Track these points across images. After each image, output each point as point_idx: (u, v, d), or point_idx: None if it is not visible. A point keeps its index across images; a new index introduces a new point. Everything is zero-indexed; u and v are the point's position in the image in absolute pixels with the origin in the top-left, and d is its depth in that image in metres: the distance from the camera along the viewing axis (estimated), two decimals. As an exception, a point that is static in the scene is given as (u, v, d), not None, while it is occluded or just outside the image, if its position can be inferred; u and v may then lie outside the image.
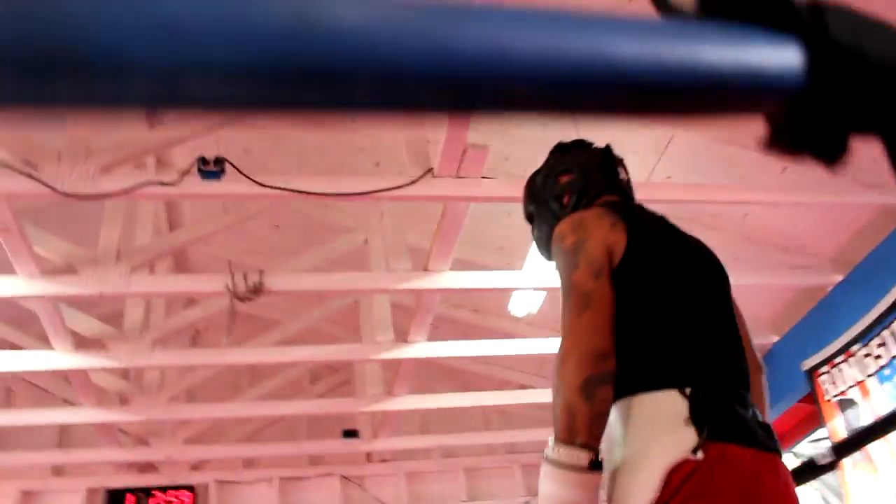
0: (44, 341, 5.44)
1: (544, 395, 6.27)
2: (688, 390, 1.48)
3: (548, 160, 2.08)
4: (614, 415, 1.51)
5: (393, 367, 5.99)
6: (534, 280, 5.00)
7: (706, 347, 1.60)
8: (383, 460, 7.39)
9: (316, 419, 7.38)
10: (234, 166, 4.00)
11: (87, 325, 5.52)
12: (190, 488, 6.98)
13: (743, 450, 1.45)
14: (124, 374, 6.41)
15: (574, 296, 1.55)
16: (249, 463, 7.41)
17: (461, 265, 4.98)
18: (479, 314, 6.53)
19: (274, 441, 7.22)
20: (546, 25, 0.55)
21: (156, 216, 5.66)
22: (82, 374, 5.70)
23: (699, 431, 1.42)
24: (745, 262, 5.14)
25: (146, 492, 6.92)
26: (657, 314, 1.61)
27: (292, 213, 5.84)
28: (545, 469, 1.43)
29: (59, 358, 5.37)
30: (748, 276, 4.98)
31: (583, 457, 1.39)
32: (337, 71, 0.49)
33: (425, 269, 4.87)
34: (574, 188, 1.93)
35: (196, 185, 3.93)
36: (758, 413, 1.61)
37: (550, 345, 5.73)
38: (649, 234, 1.70)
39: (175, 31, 0.46)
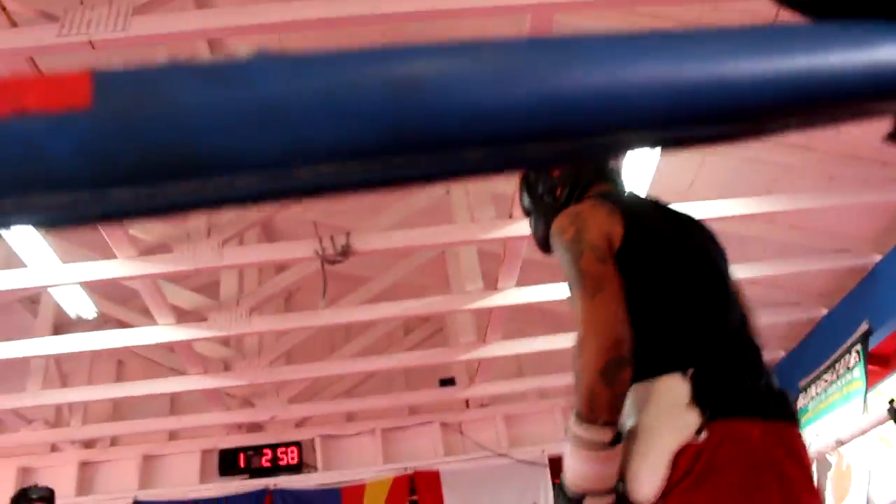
0: (148, 316, 5.67)
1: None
2: (690, 372, 1.50)
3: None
4: (633, 392, 1.53)
5: (484, 314, 6.02)
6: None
7: (708, 327, 1.62)
8: (481, 405, 7.47)
9: (412, 370, 7.51)
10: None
11: (186, 298, 5.73)
12: (296, 444, 7.22)
13: (751, 424, 1.47)
14: (225, 341, 6.64)
15: (585, 281, 1.56)
16: (351, 416, 7.61)
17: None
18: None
19: (373, 394, 7.38)
20: (658, 52, 0.52)
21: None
22: (186, 345, 5.92)
23: (702, 412, 1.44)
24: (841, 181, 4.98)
25: (256, 450, 7.20)
26: (656, 299, 1.63)
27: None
28: (571, 445, 1.49)
29: (163, 331, 5.60)
30: (848, 195, 4.82)
31: (607, 434, 1.45)
32: (448, 140, 0.47)
33: (510, 217, 4.85)
34: (566, 180, 1.93)
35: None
36: (773, 381, 1.61)
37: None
38: (644, 221, 1.72)
39: (285, 119, 0.45)
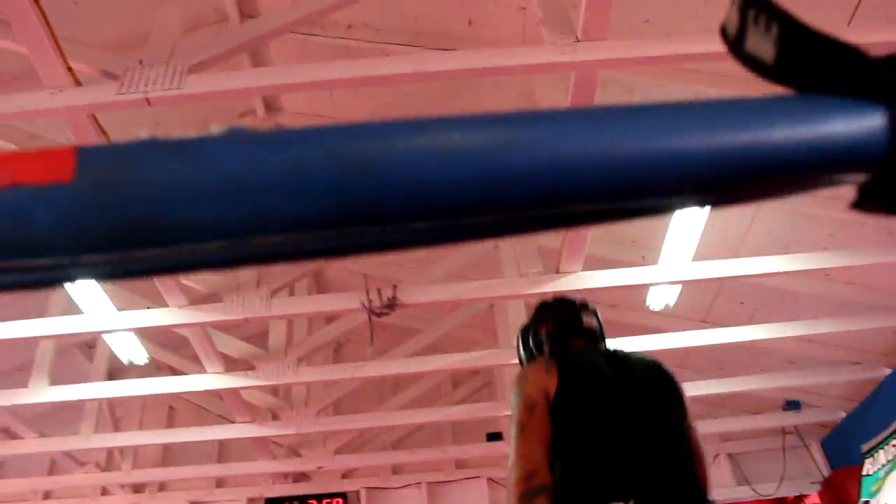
0: (198, 363, 5.75)
1: (688, 388, 6.10)
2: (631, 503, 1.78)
3: (534, 313, 2.52)
4: None
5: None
6: (670, 273, 4.85)
7: (644, 461, 1.89)
8: (530, 460, 7.36)
9: (460, 423, 7.46)
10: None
11: (235, 347, 5.79)
12: (342, 495, 7.19)
13: None
14: (273, 390, 6.68)
15: (516, 425, 1.96)
16: (397, 469, 7.56)
17: (594, 263, 4.89)
18: (615, 310, 6.39)
19: (420, 447, 7.33)
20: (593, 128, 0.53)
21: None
22: (234, 393, 5.97)
23: None
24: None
25: (301, 500, 7.19)
26: (592, 436, 1.94)
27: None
28: None
29: (212, 380, 5.66)
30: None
31: None
32: (395, 213, 0.49)
33: (557, 272, 4.82)
34: (550, 338, 2.36)
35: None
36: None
37: (690, 337, 5.55)
38: (582, 372, 2.07)
39: (245, 194, 0.47)
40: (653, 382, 2.12)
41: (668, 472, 1.90)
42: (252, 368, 5.68)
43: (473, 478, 7.32)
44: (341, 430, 7.08)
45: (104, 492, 7.62)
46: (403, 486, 7.31)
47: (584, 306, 2.45)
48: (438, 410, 6.60)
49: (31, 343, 6.03)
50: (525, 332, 2.52)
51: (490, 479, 7.27)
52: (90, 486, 7.48)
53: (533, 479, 1.83)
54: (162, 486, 7.70)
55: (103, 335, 5.76)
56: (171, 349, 6.67)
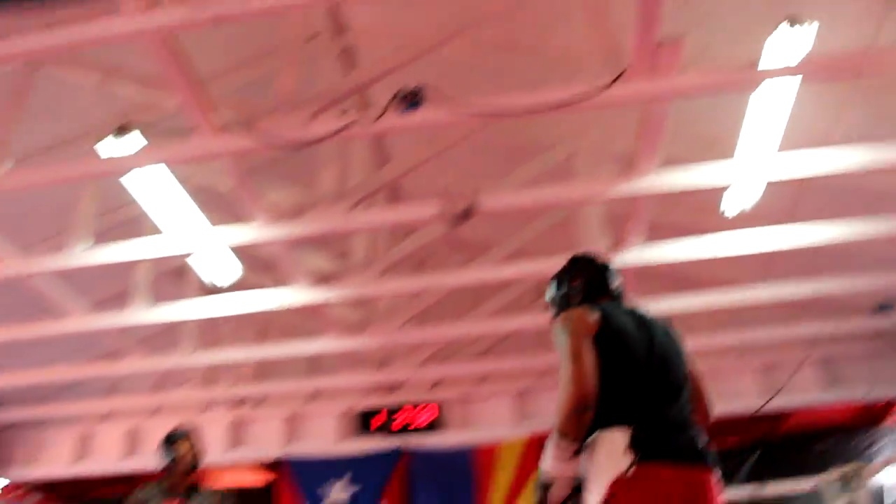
0: (284, 281, 5.94)
1: (775, 292, 6.00)
2: (631, 428, 2.30)
3: (568, 265, 2.91)
4: (596, 438, 2.33)
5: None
6: (750, 171, 4.73)
7: (649, 398, 2.42)
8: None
9: (544, 332, 7.52)
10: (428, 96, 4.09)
11: (319, 262, 5.96)
12: (431, 405, 7.41)
13: (666, 467, 2.27)
14: (359, 304, 6.86)
15: (570, 353, 2.35)
16: (485, 378, 7.70)
17: (672, 165, 4.81)
18: (695, 215, 6.30)
19: (506, 355, 7.47)
20: None
21: (366, 154, 5.91)
22: (322, 308, 6.17)
23: (633, 457, 2.24)
24: None
25: (392, 411, 7.43)
26: (615, 375, 2.38)
27: (494, 136, 5.87)
28: (551, 448, 2.31)
29: (300, 294, 5.85)
30: None
31: (572, 447, 2.27)
32: None
33: (632, 175, 4.77)
34: (579, 290, 2.81)
35: (398, 118, 4.06)
36: (697, 437, 2.40)
37: (771, 239, 5.40)
38: (614, 322, 2.52)
39: None
40: (664, 339, 2.61)
41: (667, 408, 2.44)
42: (337, 282, 5.85)
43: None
44: (427, 341, 7.28)
45: (207, 408, 8.05)
46: (492, 395, 7.47)
47: (611, 268, 2.87)
48: (521, 318, 6.66)
49: (128, 269, 6.36)
50: (559, 281, 2.92)
51: (576, 386, 7.35)
52: (194, 402, 7.89)
53: (586, 398, 2.26)
54: (259, 402, 8.07)
55: (195, 258, 5.98)
56: (259, 272, 6.90)
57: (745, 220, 5.61)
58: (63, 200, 5.70)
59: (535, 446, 7.06)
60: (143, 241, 5.40)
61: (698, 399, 2.63)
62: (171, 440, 4.14)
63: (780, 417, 7.42)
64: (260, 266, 6.97)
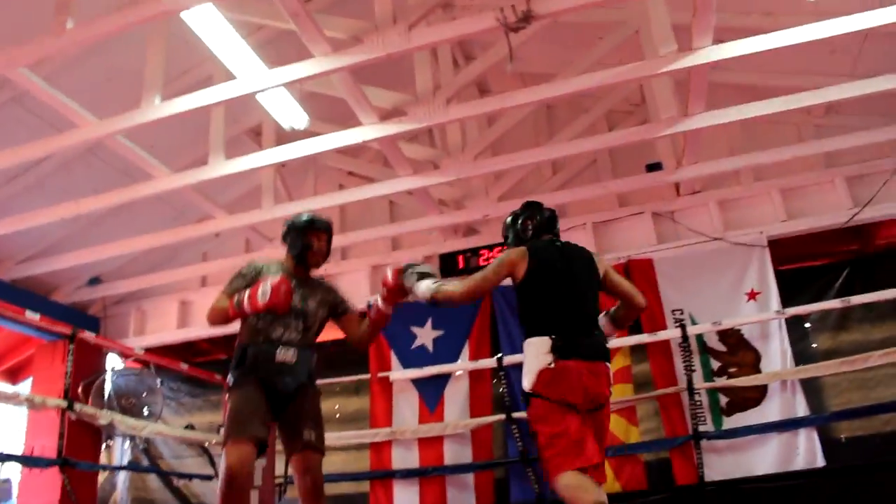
0: (354, 120, 5.99)
1: (863, 88, 5.68)
2: (552, 337, 3.42)
3: (522, 209, 3.99)
4: (528, 342, 3.52)
5: (684, 86, 5.80)
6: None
7: (564, 313, 3.51)
8: (693, 192, 7.23)
9: (619, 158, 7.45)
10: None
11: (384, 97, 5.95)
12: (511, 243, 7.44)
13: (574, 362, 3.38)
14: (430, 141, 6.86)
15: (487, 271, 3.58)
16: (562, 212, 7.60)
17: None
18: (770, 17, 5.99)
19: (583, 185, 7.40)
20: None
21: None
22: (393, 147, 6.21)
23: (553, 355, 3.38)
24: None
25: (473, 252, 7.52)
26: (542, 300, 3.55)
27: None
28: (435, 286, 3.57)
29: (369, 131, 5.90)
30: None
31: (438, 303, 3.57)
32: None
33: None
34: (529, 228, 3.89)
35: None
36: (597, 337, 3.56)
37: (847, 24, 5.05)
38: (542, 257, 3.63)
39: None
40: (580, 266, 3.69)
41: (577, 321, 3.54)
42: (404, 115, 5.85)
43: (637, 213, 7.32)
44: (504, 175, 7.27)
45: (293, 264, 8.32)
46: (569, 228, 7.43)
47: (553, 213, 4.00)
48: (594, 139, 6.54)
49: (204, 126, 6.52)
50: (515, 219, 3.98)
51: (654, 213, 7.25)
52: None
53: (473, 299, 3.69)
54: (343, 254, 8.29)
55: (267, 101, 6.06)
56: (327, 120, 6.96)
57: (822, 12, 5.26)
58: (134, 66, 5.85)
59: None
60: (215, 88, 5.50)
61: (628, 300, 3.81)
62: (311, 225, 4.05)
63: (870, 231, 7.17)
64: (327, 117, 7.06)
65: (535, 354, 3.45)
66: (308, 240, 4.00)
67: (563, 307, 3.52)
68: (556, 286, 3.54)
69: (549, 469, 3.35)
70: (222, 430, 3.75)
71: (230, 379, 3.80)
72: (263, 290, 3.55)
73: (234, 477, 3.43)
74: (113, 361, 8.86)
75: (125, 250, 7.62)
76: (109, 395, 8.53)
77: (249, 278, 3.86)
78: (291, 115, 6.17)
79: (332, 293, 4.12)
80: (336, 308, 4.11)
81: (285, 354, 3.79)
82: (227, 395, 3.81)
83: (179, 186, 6.52)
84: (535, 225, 3.87)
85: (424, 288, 3.59)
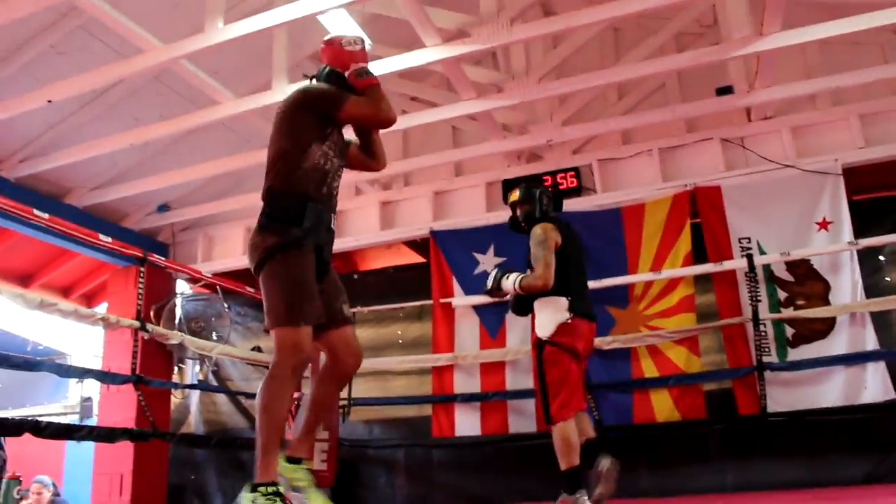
0: (418, 43, 5.91)
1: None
2: (568, 297, 4.52)
3: (539, 185, 5.15)
4: (545, 300, 4.56)
5: (758, 6, 5.56)
6: None
7: (576, 282, 4.66)
8: (765, 118, 6.96)
9: (688, 85, 7.22)
10: None
11: (447, 18, 5.84)
12: (574, 169, 7.34)
13: (582, 319, 4.56)
14: (494, 64, 6.72)
15: (545, 258, 4.48)
16: (627, 139, 7.49)
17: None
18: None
19: (650, 111, 7.21)
20: None
21: None
22: (456, 69, 6.13)
23: (570, 313, 4.48)
24: None
25: (536, 178, 7.43)
26: (560, 268, 4.51)
27: None
28: (519, 280, 4.64)
29: (430, 53, 5.82)
30: None
31: (521, 294, 4.66)
32: None
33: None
34: (544, 205, 4.91)
35: None
36: (591, 303, 4.79)
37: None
38: (563, 233, 4.66)
39: None
40: (579, 241, 4.89)
41: (582, 286, 4.75)
42: (468, 37, 5.75)
43: (705, 139, 7.08)
44: (567, 99, 7.13)
45: (357, 191, 8.37)
46: (635, 155, 7.27)
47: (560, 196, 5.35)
48: (662, 61, 6.34)
49: (267, 51, 6.52)
50: (541, 195, 4.94)
51: (723, 140, 7.01)
52: (343, 186, 8.18)
53: (547, 286, 4.46)
54: (407, 181, 8.29)
55: (329, 20, 6.00)
56: (389, 44, 6.89)
57: None
58: None
59: (681, 202, 6.91)
60: (276, 10, 5.47)
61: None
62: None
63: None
64: (388, 39, 6.99)
65: (555, 310, 4.49)
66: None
67: (575, 275, 4.65)
68: (571, 257, 4.65)
69: (553, 416, 4.33)
70: (272, 305, 3.10)
71: (280, 236, 3.12)
72: (351, 41, 3.53)
73: (300, 364, 3.11)
74: (182, 287, 9.12)
75: (192, 177, 7.75)
76: (179, 319, 8.82)
77: None
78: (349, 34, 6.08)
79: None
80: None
81: (332, 220, 3.32)
82: (276, 256, 3.10)
83: (243, 111, 6.54)
84: (549, 201, 4.94)
85: (511, 282, 4.60)
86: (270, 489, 2.89)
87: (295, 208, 3.14)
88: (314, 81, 3.60)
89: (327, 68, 3.62)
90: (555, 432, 4.32)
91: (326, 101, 3.39)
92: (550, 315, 4.50)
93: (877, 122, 6.69)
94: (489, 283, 4.79)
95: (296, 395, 6.54)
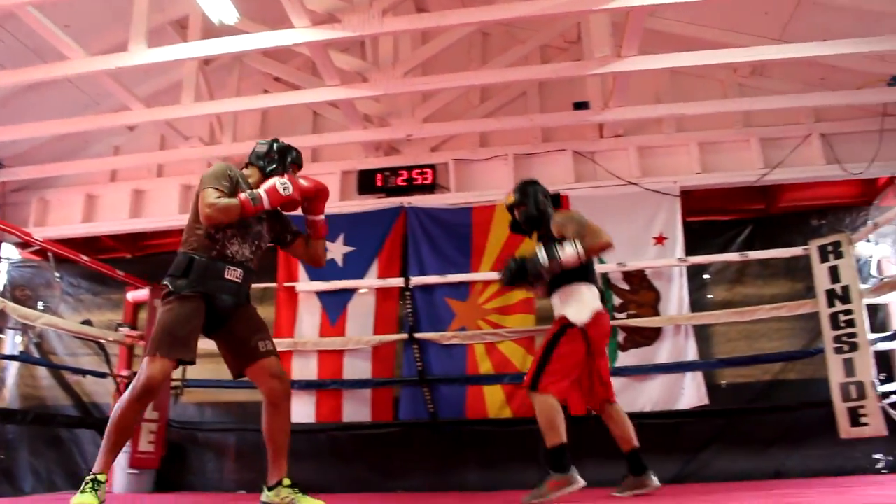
0: (287, 24, 5.82)
1: (788, 52, 5.85)
2: (595, 286, 4.52)
3: (530, 186, 4.82)
4: (577, 286, 4.46)
5: (619, 29, 5.85)
6: None
7: (595, 273, 4.65)
8: (615, 135, 7.36)
9: (548, 97, 7.49)
10: None
11: (319, 1, 5.81)
12: (431, 167, 7.45)
13: (604, 311, 4.51)
14: (361, 53, 6.70)
15: (595, 227, 4.40)
16: (485, 142, 7.69)
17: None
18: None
19: (510, 116, 7.42)
20: None
21: None
22: (323, 54, 6.08)
23: (602, 302, 4.49)
24: None
25: (392, 171, 7.50)
26: (589, 260, 4.51)
27: None
28: (564, 249, 4.34)
29: (299, 34, 5.75)
30: None
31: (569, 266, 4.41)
32: None
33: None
34: (549, 202, 4.79)
35: None
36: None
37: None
38: None
39: None
40: None
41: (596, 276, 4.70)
42: (338, 23, 5.73)
43: (559, 150, 7.39)
44: (430, 97, 7.23)
45: (209, 165, 8.13)
46: (490, 158, 7.48)
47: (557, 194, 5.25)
48: (524, 70, 6.57)
49: (126, 10, 6.24)
50: (538, 193, 4.76)
51: (576, 152, 7.34)
52: (196, 159, 7.96)
53: (605, 251, 4.48)
54: (262, 161, 8.11)
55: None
56: (257, 20, 6.76)
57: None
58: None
59: (531, 209, 7.15)
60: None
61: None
62: (297, 159, 4.20)
63: (776, 192, 7.48)
64: (259, 17, 6.85)
65: (592, 298, 4.43)
66: (287, 168, 4.06)
67: (593, 266, 4.62)
68: None
69: (539, 382, 4.24)
70: (150, 339, 3.56)
71: (170, 286, 3.61)
72: (283, 184, 3.69)
73: (151, 391, 3.43)
74: (9, 252, 8.56)
75: (31, 134, 7.30)
76: (4, 286, 8.27)
77: (234, 182, 3.76)
78: (221, 8, 5.93)
79: (281, 220, 4.10)
80: (285, 236, 4.12)
81: (233, 273, 3.71)
82: (162, 302, 3.63)
83: (95, 71, 6.23)
84: (546, 196, 4.80)
85: (571, 251, 4.28)
86: (89, 478, 3.33)
87: (185, 264, 3.63)
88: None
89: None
90: (536, 403, 4.22)
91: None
92: (588, 302, 4.39)
93: (714, 151, 7.24)
94: (541, 258, 4.33)
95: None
